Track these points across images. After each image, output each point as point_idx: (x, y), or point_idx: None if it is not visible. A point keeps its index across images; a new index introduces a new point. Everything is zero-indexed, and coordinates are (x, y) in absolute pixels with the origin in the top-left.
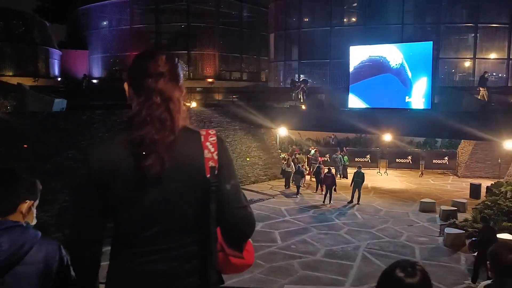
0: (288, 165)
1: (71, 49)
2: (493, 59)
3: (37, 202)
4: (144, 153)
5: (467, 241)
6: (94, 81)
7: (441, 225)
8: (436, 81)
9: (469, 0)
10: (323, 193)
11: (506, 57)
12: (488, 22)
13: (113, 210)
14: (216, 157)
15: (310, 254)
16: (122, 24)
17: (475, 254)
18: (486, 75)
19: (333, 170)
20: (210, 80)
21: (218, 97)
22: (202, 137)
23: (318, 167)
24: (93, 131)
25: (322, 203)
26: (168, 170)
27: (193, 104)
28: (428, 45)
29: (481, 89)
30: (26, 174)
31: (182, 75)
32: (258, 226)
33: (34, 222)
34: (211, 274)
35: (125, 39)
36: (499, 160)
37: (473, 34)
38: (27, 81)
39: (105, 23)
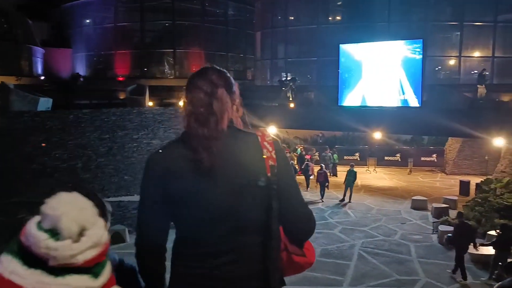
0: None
1: (54, 47)
2: (478, 57)
3: (108, 224)
4: (192, 147)
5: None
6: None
7: (433, 222)
8: (425, 79)
9: None
10: (318, 190)
11: (490, 55)
12: (473, 20)
13: (177, 211)
14: (274, 156)
15: None
16: (106, 22)
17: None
18: (484, 73)
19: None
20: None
21: None
22: (259, 138)
23: (307, 164)
24: (80, 131)
25: (315, 200)
26: (228, 170)
27: (181, 103)
28: (417, 43)
29: (479, 86)
30: (96, 194)
31: (234, 86)
32: None
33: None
34: (274, 275)
35: (109, 37)
36: (486, 157)
37: (458, 32)
38: (9, 80)
39: (89, 21)
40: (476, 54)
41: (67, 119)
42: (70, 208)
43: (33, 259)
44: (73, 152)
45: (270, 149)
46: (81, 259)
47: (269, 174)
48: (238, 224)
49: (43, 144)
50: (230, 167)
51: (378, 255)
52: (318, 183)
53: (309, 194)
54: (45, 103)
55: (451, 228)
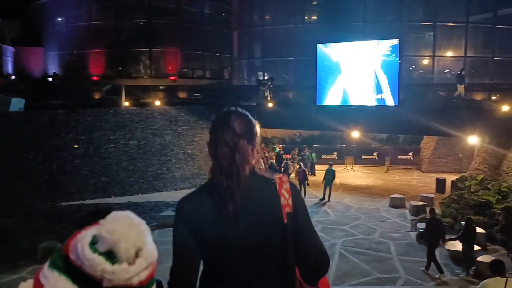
0: (257, 162)
1: (25, 46)
2: (451, 57)
3: None
4: (218, 197)
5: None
6: (50, 79)
7: (412, 220)
8: (402, 78)
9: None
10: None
11: (463, 55)
12: (446, 21)
13: (205, 250)
14: (291, 203)
15: None
16: (80, 20)
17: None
18: (462, 72)
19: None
20: (172, 78)
21: (182, 95)
22: (277, 185)
23: (286, 163)
24: (55, 132)
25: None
26: (249, 216)
27: (157, 103)
28: (394, 42)
29: (458, 86)
30: None
31: (255, 130)
32: None
33: None
34: None
35: (83, 36)
36: (460, 155)
37: (431, 33)
38: None
39: (61, 19)
40: (449, 54)
41: (41, 120)
42: (128, 231)
43: (83, 278)
44: (48, 154)
45: (287, 196)
46: (136, 280)
47: (285, 221)
48: (258, 262)
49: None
50: (251, 214)
51: (358, 254)
52: (298, 181)
53: None
54: (17, 104)
55: None
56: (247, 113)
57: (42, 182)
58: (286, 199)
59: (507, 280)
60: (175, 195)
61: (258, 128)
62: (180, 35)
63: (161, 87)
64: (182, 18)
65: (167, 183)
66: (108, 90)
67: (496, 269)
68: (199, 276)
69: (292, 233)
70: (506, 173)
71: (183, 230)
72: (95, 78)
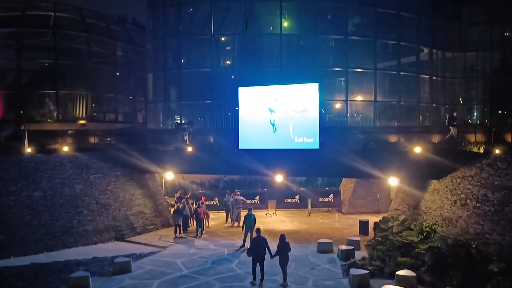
0: (183, 208)
1: None
2: (362, 101)
3: None
4: None
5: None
6: None
7: (342, 265)
8: (321, 122)
9: (339, 47)
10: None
11: (373, 99)
12: (356, 67)
13: None
14: None
15: None
16: None
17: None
18: (455, 114)
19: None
20: (82, 122)
21: (94, 140)
22: None
23: (197, 210)
24: None
25: (218, 251)
26: None
27: (66, 149)
28: (314, 87)
29: (451, 128)
30: None
31: None
32: (154, 285)
33: None
34: None
35: None
36: (378, 196)
37: (344, 78)
38: None
39: None
40: (360, 98)
41: None
42: None
43: None
44: None
45: None
46: None
47: None
48: None
49: None
50: None
51: None
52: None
53: (214, 244)
54: None
55: (362, 271)
56: None
57: None
58: None
59: None
60: (87, 251)
61: None
62: (90, 77)
63: (69, 131)
64: (92, 59)
65: (77, 238)
66: (8, 136)
67: None
68: None
69: None
70: (425, 212)
71: None
72: None
